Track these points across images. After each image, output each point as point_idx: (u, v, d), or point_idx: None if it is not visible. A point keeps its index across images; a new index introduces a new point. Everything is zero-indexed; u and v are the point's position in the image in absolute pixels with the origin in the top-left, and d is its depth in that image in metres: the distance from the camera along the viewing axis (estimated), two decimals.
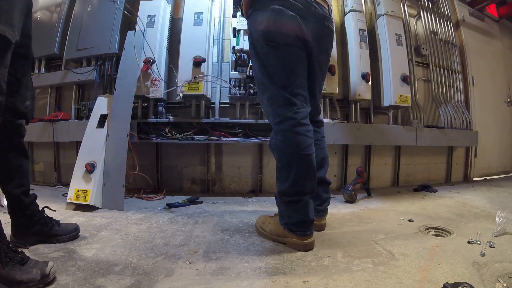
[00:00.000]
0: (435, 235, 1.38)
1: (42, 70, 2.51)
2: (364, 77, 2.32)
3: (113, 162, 1.82)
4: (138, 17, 1.49)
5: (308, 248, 1.18)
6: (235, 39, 2.16)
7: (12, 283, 0.84)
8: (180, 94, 2.04)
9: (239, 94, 2.12)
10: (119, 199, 1.74)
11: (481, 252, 1.12)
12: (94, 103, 2.08)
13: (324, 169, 1.42)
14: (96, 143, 1.87)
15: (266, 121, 2.19)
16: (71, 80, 2.36)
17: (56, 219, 1.25)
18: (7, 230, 1.28)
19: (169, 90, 2.17)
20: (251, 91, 2.12)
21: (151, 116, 2.20)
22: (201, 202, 1.95)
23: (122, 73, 1.99)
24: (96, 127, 1.94)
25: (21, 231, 1.14)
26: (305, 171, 1.19)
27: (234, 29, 2.19)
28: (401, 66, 2.49)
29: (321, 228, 1.41)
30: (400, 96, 2.43)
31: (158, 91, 2.11)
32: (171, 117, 2.17)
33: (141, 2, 2.22)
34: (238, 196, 2.21)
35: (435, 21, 3.02)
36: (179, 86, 2.04)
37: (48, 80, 2.45)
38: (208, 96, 2.15)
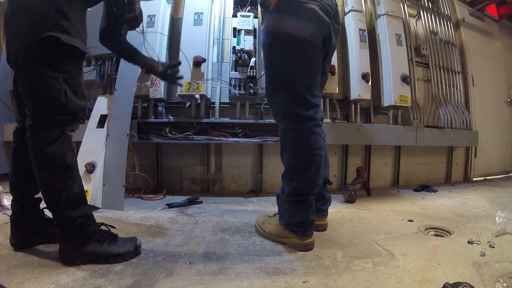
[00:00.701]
0: (435, 235, 1.38)
1: None
2: (364, 77, 2.32)
3: (113, 162, 1.81)
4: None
5: (308, 248, 1.18)
6: (235, 39, 2.16)
7: (111, 256, 1.00)
8: (197, 96, 2.04)
9: (239, 94, 2.12)
10: (119, 199, 1.74)
11: (481, 252, 1.12)
12: (94, 103, 2.08)
13: (326, 169, 1.42)
14: (96, 143, 1.87)
15: (266, 121, 2.19)
16: None
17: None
18: (6, 231, 1.28)
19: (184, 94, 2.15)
20: (251, 91, 2.12)
21: (151, 116, 2.20)
22: (201, 202, 1.95)
23: (122, 73, 1.99)
24: (96, 127, 1.93)
25: (22, 231, 1.11)
26: (317, 172, 1.18)
27: (234, 29, 2.19)
28: (401, 66, 2.49)
29: (324, 228, 1.41)
30: (400, 96, 2.43)
31: (158, 91, 2.11)
32: (171, 117, 2.17)
33: (141, 2, 2.21)
34: (238, 196, 2.21)
35: (435, 21, 3.02)
36: (198, 82, 2.03)
37: None
38: (208, 96, 2.15)
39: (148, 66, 1.36)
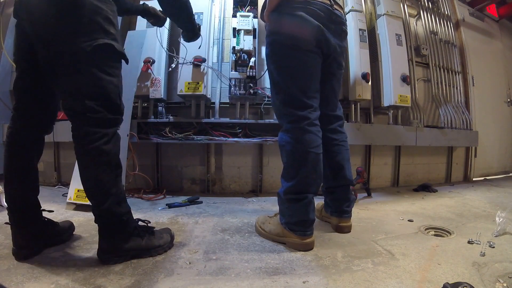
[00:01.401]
0: (435, 235, 1.38)
1: None
2: (364, 77, 2.32)
3: None
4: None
5: (308, 248, 1.18)
6: (235, 39, 2.16)
7: (152, 249, 1.07)
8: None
9: (239, 94, 2.12)
10: None
11: (481, 252, 1.12)
12: None
13: (348, 170, 1.42)
14: None
15: (266, 121, 2.19)
16: None
17: (54, 220, 1.22)
18: (6, 230, 1.28)
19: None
20: (251, 91, 2.12)
21: (151, 116, 2.20)
22: (201, 202, 1.95)
23: (122, 73, 1.99)
24: None
25: (29, 238, 1.05)
26: (313, 170, 1.20)
27: (234, 29, 2.19)
28: (401, 66, 2.49)
29: (349, 229, 1.41)
30: (400, 96, 2.43)
31: (158, 91, 2.11)
32: (171, 117, 2.17)
33: (141, 2, 2.21)
34: (238, 196, 2.21)
35: (435, 21, 3.02)
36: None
37: None
38: (208, 96, 2.15)
39: (147, 12, 1.44)
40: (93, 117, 0.98)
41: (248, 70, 2.12)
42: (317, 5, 1.21)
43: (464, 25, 3.26)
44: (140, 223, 1.14)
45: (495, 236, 1.31)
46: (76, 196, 1.73)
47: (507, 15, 3.62)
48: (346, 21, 1.36)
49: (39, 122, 1.09)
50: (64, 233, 1.22)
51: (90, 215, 1.61)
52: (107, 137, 1.00)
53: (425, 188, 2.48)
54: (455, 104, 2.96)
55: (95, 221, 1.04)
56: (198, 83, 2.05)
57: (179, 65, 2.08)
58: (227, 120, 2.21)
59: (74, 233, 1.28)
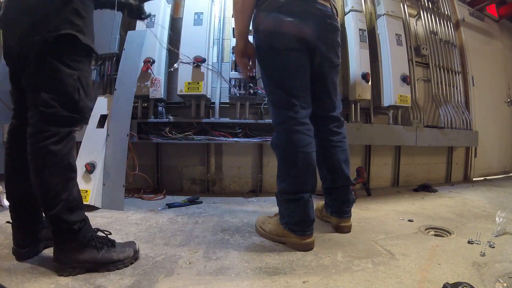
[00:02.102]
0: (435, 235, 1.38)
1: None
2: (364, 77, 2.32)
3: (113, 162, 1.81)
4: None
5: (308, 248, 1.18)
6: (235, 39, 2.15)
7: (111, 263, 0.96)
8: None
9: (239, 94, 2.12)
10: (119, 199, 1.74)
11: (481, 252, 1.12)
12: (94, 103, 2.08)
13: (347, 171, 1.41)
14: (96, 143, 1.87)
15: (266, 121, 2.19)
16: None
17: None
18: (6, 230, 1.28)
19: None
20: (251, 91, 2.12)
21: (151, 116, 2.20)
22: (201, 202, 1.95)
23: (122, 73, 1.99)
24: (96, 127, 1.93)
25: (30, 238, 1.05)
26: (305, 169, 1.20)
27: (234, 29, 2.19)
28: (401, 66, 2.49)
29: (349, 229, 1.41)
30: (400, 96, 2.43)
31: (158, 91, 2.11)
32: (171, 117, 2.17)
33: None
34: (238, 196, 2.21)
35: (435, 21, 3.02)
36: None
37: None
38: (208, 96, 2.15)
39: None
40: (45, 112, 0.91)
41: None
42: (293, 1, 1.19)
43: (464, 25, 3.26)
44: (100, 233, 1.05)
45: (495, 236, 1.31)
46: None
47: (507, 15, 3.62)
48: (332, 13, 1.29)
49: None
50: None
51: (90, 215, 1.61)
52: (57, 137, 0.93)
53: (425, 188, 2.48)
54: (455, 104, 2.96)
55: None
56: (198, 83, 2.05)
57: (181, 65, 2.07)
58: (227, 120, 2.21)
59: None
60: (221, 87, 2.35)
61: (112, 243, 1.02)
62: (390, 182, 2.75)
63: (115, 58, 2.29)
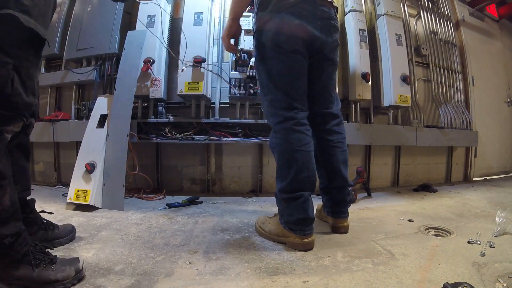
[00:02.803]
0: (435, 235, 1.38)
1: (42, 70, 2.51)
2: (364, 77, 2.32)
3: (113, 162, 1.81)
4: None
5: (308, 247, 1.18)
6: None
7: (47, 283, 0.83)
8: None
9: (239, 94, 2.12)
10: (119, 199, 1.74)
11: (481, 252, 1.12)
12: (94, 103, 2.08)
13: (345, 172, 1.42)
14: (96, 143, 1.87)
15: (266, 121, 2.19)
16: (71, 80, 2.36)
17: (54, 222, 1.22)
18: None
19: None
20: (251, 91, 2.12)
21: (151, 116, 2.20)
22: (201, 202, 1.95)
23: (122, 73, 1.99)
24: (96, 127, 1.93)
25: None
26: (304, 168, 1.20)
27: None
28: (401, 66, 2.49)
29: (346, 229, 1.40)
30: (400, 96, 2.43)
31: (158, 91, 2.11)
32: (171, 117, 2.17)
33: (141, 2, 2.22)
34: (238, 196, 2.21)
35: (435, 21, 3.02)
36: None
37: (48, 80, 2.45)
38: (208, 96, 2.15)
39: None
40: None
41: (248, 70, 2.12)
42: (301, 3, 1.21)
43: (464, 25, 3.26)
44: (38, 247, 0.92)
45: (495, 236, 1.31)
46: (76, 196, 1.73)
47: (507, 15, 3.62)
48: (335, 15, 1.33)
49: None
50: (64, 236, 1.19)
51: (90, 215, 1.62)
52: None
53: (425, 188, 2.48)
54: (455, 104, 2.96)
55: None
56: (198, 83, 2.05)
57: (183, 67, 2.06)
58: (227, 120, 2.21)
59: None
60: (221, 87, 2.34)
61: (51, 260, 0.88)
62: (390, 182, 2.75)
63: (115, 58, 2.29)
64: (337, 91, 2.27)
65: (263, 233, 1.32)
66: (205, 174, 2.36)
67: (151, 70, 2.10)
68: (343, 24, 2.57)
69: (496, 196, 2.31)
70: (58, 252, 1.10)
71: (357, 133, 2.33)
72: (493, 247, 1.18)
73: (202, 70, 2.05)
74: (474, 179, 3.15)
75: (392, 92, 2.41)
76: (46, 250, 0.92)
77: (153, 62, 2.11)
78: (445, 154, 3.03)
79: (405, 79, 2.45)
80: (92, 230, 1.36)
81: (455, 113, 2.88)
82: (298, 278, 0.94)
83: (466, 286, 0.82)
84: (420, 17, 2.97)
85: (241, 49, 2.10)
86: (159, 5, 2.13)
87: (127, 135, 1.85)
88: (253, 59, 2.13)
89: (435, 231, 1.42)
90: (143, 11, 2.20)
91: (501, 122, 3.55)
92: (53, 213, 1.37)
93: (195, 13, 2.14)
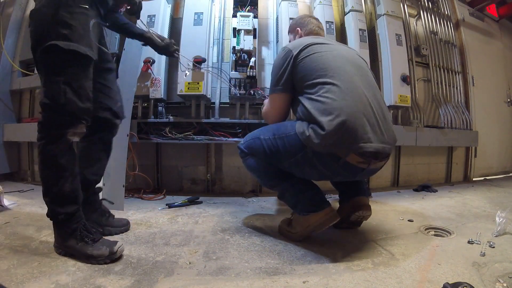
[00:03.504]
0: (435, 235, 1.38)
1: None
2: None
3: (113, 162, 1.81)
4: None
5: (334, 218, 1.21)
6: (235, 39, 2.16)
7: (84, 256, 1.02)
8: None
9: (239, 94, 2.12)
10: (119, 199, 1.74)
11: (481, 252, 1.12)
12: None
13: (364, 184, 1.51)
14: None
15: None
16: None
17: (112, 213, 1.39)
18: (6, 231, 1.28)
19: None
20: (251, 91, 2.12)
21: (151, 116, 2.20)
22: (201, 202, 1.95)
23: (122, 73, 1.99)
24: None
25: (93, 222, 1.26)
26: (271, 159, 1.28)
27: (234, 29, 2.19)
28: (401, 66, 2.49)
29: (369, 210, 1.38)
30: (400, 96, 2.43)
31: (158, 91, 2.11)
32: (171, 117, 2.17)
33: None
34: (238, 196, 2.21)
35: (435, 21, 3.02)
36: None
37: None
38: (208, 96, 2.15)
39: (145, 39, 1.48)
40: (42, 114, 1.04)
41: (248, 70, 2.12)
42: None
43: (464, 25, 3.26)
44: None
45: (495, 236, 1.31)
46: None
47: (507, 15, 3.62)
48: None
49: None
50: (116, 226, 1.33)
51: None
52: (48, 138, 1.04)
53: (425, 188, 2.48)
54: (455, 104, 2.96)
55: None
56: (198, 83, 2.05)
57: (186, 71, 2.05)
58: (227, 120, 2.21)
59: None
60: (221, 87, 2.35)
61: (93, 239, 1.06)
62: (390, 182, 2.75)
63: (115, 58, 2.29)
64: None
65: (293, 235, 1.27)
66: (205, 174, 2.36)
67: (151, 70, 2.10)
68: (343, 24, 2.57)
69: (496, 196, 2.30)
70: None
71: None
72: (493, 247, 1.18)
73: (202, 70, 2.05)
74: (474, 179, 3.15)
75: (392, 92, 2.41)
76: (94, 230, 1.11)
77: (153, 62, 2.11)
78: (445, 154, 3.03)
79: (405, 79, 2.45)
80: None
81: (455, 113, 2.88)
82: (298, 278, 0.94)
83: (466, 286, 0.82)
84: (420, 17, 2.97)
85: (241, 49, 2.10)
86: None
87: (127, 135, 1.85)
88: (253, 59, 2.14)
89: (435, 231, 1.42)
90: (143, 11, 2.17)
91: (501, 122, 3.54)
92: (113, 203, 1.60)
93: (195, 13, 2.14)
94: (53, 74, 1.01)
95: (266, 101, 1.45)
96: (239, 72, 2.14)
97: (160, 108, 2.26)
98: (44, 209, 1.10)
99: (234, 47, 2.15)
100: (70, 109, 1.02)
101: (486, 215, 1.69)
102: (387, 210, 1.84)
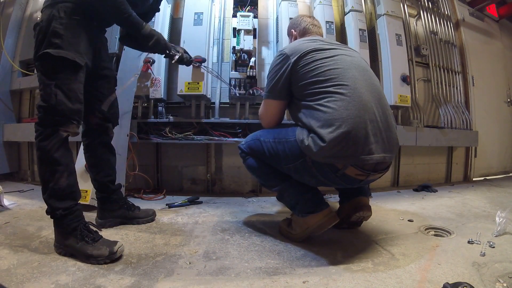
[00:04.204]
0: (435, 235, 1.38)
1: None
2: None
3: None
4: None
5: (334, 219, 1.21)
6: (235, 39, 2.16)
7: (84, 256, 1.04)
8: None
9: (239, 94, 2.12)
10: None
11: (481, 252, 1.12)
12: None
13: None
14: None
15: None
16: None
17: (137, 205, 1.53)
18: (6, 230, 1.29)
19: None
20: (251, 91, 2.12)
21: (151, 116, 2.20)
22: (201, 202, 1.95)
23: (122, 73, 1.99)
24: None
25: (107, 213, 1.41)
26: (270, 160, 1.30)
27: (234, 29, 2.19)
28: (401, 66, 2.49)
29: (370, 209, 1.39)
30: (400, 96, 2.43)
31: (158, 91, 2.11)
32: (171, 117, 2.17)
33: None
34: (238, 196, 2.21)
35: (435, 21, 3.02)
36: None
37: None
38: (208, 96, 2.15)
39: (167, 55, 1.52)
40: (38, 116, 1.13)
41: (248, 70, 2.12)
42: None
43: (464, 25, 3.26)
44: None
45: (495, 236, 1.31)
46: None
47: (507, 15, 3.62)
48: None
49: None
50: (143, 217, 1.48)
51: (91, 215, 1.61)
52: (43, 135, 1.10)
53: (425, 188, 2.47)
54: (455, 104, 2.96)
55: None
56: (198, 83, 2.05)
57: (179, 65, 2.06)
58: (227, 120, 2.21)
59: None
60: (221, 87, 2.35)
61: (94, 239, 1.08)
62: (390, 182, 2.75)
63: (115, 58, 2.29)
64: None
65: (295, 236, 1.26)
66: (205, 174, 2.36)
67: (151, 70, 2.10)
68: (343, 24, 2.57)
69: (496, 196, 2.30)
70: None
71: None
72: (493, 247, 1.18)
73: (202, 70, 2.05)
74: (474, 179, 3.15)
75: (392, 92, 2.40)
76: (95, 230, 1.15)
77: (153, 62, 2.11)
78: (445, 154, 3.03)
79: (405, 79, 2.45)
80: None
81: (455, 113, 2.88)
82: (298, 278, 0.94)
83: (466, 286, 0.82)
84: (420, 17, 2.97)
85: (241, 49, 2.10)
86: None
87: (127, 135, 1.85)
88: (253, 59, 2.14)
89: (435, 231, 1.42)
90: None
91: (501, 122, 3.54)
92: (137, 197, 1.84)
93: (195, 13, 2.14)
94: (47, 79, 1.11)
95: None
96: (239, 72, 2.14)
97: (160, 108, 2.26)
98: (44, 209, 1.11)
99: (234, 47, 2.15)
100: (61, 110, 1.10)
101: (486, 215, 1.69)
102: (387, 210, 1.84)
